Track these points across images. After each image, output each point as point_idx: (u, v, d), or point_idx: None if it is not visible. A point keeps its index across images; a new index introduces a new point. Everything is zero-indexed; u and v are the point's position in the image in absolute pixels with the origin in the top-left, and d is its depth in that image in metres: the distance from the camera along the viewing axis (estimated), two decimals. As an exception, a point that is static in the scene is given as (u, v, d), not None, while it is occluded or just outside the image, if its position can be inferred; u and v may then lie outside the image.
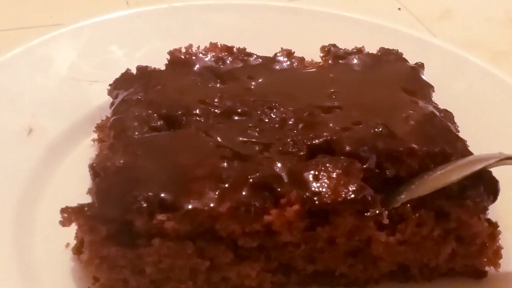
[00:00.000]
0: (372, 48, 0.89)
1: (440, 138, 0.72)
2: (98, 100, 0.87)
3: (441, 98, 0.82)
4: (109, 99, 0.82)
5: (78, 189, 0.71)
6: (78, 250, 0.68)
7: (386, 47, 0.89)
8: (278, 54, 0.85)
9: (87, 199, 0.65)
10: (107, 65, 0.92)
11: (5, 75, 0.88)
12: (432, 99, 0.81)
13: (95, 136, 0.84)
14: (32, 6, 1.18)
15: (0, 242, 0.70)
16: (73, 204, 0.64)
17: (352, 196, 0.63)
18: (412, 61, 0.87)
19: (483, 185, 0.69)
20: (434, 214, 0.68)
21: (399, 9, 1.27)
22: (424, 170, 0.69)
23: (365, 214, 0.64)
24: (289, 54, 0.85)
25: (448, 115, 0.78)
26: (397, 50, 0.87)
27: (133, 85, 0.80)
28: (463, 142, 0.73)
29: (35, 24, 1.11)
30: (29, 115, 0.85)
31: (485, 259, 0.71)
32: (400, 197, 0.67)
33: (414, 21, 1.24)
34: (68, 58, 0.94)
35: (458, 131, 0.77)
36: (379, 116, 0.73)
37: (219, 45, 0.86)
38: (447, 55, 0.97)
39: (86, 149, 0.84)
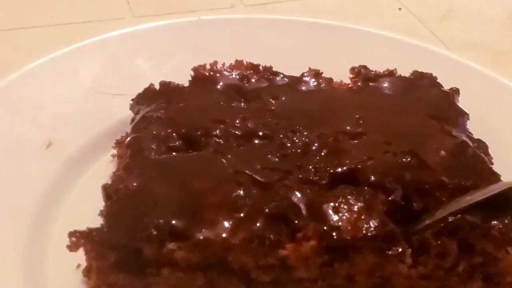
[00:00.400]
0: (405, 69, 0.85)
1: (472, 170, 0.69)
2: (121, 114, 0.84)
3: (476, 127, 0.78)
4: (131, 114, 0.80)
5: (94, 206, 0.69)
6: (88, 272, 0.66)
7: (421, 69, 0.85)
8: (305, 74, 0.82)
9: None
10: (132, 78, 0.90)
11: (28, 86, 0.87)
12: (467, 127, 0.78)
13: (115, 151, 0.82)
14: (33, 6, 1.17)
15: (11, 257, 0.68)
16: (88, 222, 0.62)
17: (373, 232, 0.60)
18: (448, 85, 0.83)
19: (509, 214, 0.65)
20: (458, 246, 0.63)
21: (400, 9, 1.25)
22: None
23: (387, 252, 0.61)
24: (316, 74, 0.82)
25: (482, 145, 0.75)
26: (432, 74, 0.83)
27: (155, 101, 0.78)
28: (496, 175, 0.70)
29: (36, 24, 1.10)
30: (49, 128, 0.83)
31: None
32: (422, 222, 0.64)
33: (415, 21, 1.22)
34: (93, 70, 0.92)
35: (492, 163, 0.73)
36: (408, 144, 0.70)
37: (245, 63, 0.83)
38: (485, 81, 0.93)
39: (105, 165, 0.82)
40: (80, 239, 0.59)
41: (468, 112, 0.79)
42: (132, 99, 0.81)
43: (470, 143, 0.73)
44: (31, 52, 0.98)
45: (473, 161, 0.70)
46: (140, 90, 0.81)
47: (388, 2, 1.28)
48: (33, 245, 0.71)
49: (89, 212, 0.69)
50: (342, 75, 0.84)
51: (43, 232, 0.73)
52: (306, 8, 1.24)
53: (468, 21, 1.24)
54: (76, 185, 0.80)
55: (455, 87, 0.82)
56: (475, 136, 0.76)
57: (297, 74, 0.83)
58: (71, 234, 0.59)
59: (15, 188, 0.75)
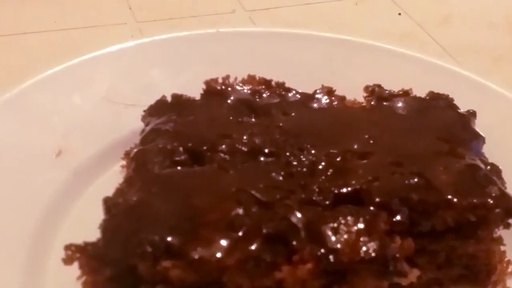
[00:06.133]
0: (422, 88, 0.83)
1: (482, 192, 0.67)
2: (133, 125, 0.83)
3: (494, 150, 0.76)
4: (143, 125, 0.80)
5: (100, 217, 0.68)
6: (86, 285, 0.65)
7: (439, 88, 0.83)
8: (318, 91, 0.81)
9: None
10: (146, 89, 0.90)
11: (42, 93, 0.87)
12: (482, 150, 0.75)
13: (124, 162, 0.82)
14: (36, 11, 1.18)
15: (12, 265, 0.69)
16: (93, 234, 0.61)
17: (372, 255, 0.58)
18: (466, 106, 0.81)
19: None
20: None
21: (400, 14, 1.26)
22: (463, 224, 0.65)
23: (387, 275, 0.59)
24: (329, 92, 0.81)
25: (495, 169, 0.72)
26: (448, 95, 0.81)
27: (166, 113, 0.77)
28: (509, 198, 0.68)
29: (39, 29, 1.12)
30: (60, 136, 0.83)
31: None
32: None
33: (414, 26, 1.23)
34: (107, 79, 0.92)
35: (505, 187, 0.71)
36: (417, 166, 0.68)
37: (257, 78, 0.82)
38: (505, 103, 0.90)
39: (114, 176, 0.81)
40: (75, 252, 0.58)
41: (484, 135, 0.77)
42: (144, 110, 0.80)
43: (482, 166, 0.71)
44: (34, 57, 1.00)
45: (483, 183, 0.68)
46: (154, 101, 0.81)
47: (388, 7, 1.29)
48: (36, 253, 0.71)
49: (94, 223, 0.68)
50: (356, 93, 0.83)
51: (47, 240, 0.73)
52: (306, 13, 1.25)
53: (467, 25, 1.25)
54: (83, 195, 0.80)
55: (472, 110, 0.80)
56: (492, 160, 0.74)
57: (311, 90, 0.82)
58: (67, 247, 0.59)
59: (21, 195, 0.75)
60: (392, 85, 0.83)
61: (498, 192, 0.67)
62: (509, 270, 0.73)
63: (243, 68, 0.84)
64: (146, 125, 0.78)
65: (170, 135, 0.72)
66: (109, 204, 0.63)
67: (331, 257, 0.58)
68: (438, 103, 0.80)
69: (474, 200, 0.65)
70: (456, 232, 0.67)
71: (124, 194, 0.64)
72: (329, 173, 0.67)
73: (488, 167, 0.72)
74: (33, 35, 1.11)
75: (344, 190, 0.65)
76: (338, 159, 0.69)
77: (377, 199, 0.64)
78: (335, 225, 0.60)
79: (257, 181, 0.65)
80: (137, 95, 0.89)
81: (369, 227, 0.60)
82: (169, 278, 0.58)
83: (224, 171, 0.67)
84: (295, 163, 0.68)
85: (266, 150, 0.70)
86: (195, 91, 0.82)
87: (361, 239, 0.59)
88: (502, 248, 0.72)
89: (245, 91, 0.80)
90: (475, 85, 0.93)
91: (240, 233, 0.59)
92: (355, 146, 0.71)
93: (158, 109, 0.79)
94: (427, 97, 0.81)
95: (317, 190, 0.65)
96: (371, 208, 0.63)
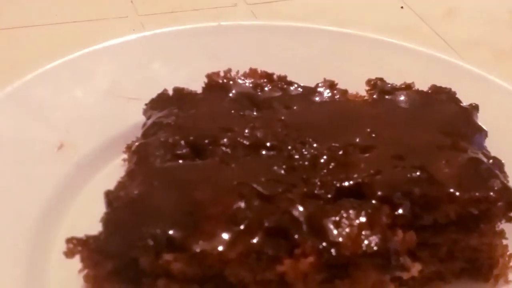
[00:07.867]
0: (425, 82, 0.83)
1: (484, 185, 0.67)
2: (135, 118, 0.83)
3: (496, 144, 0.76)
4: (145, 118, 0.80)
5: (102, 211, 0.69)
6: (88, 278, 0.65)
7: (441, 82, 0.83)
8: (320, 85, 0.81)
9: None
10: (148, 82, 0.90)
11: (44, 87, 0.87)
12: (484, 144, 0.75)
13: (126, 156, 0.82)
14: (37, 4, 1.18)
15: (14, 258, 0.69)
16: (95, 227, 0.61)
17: (374, 248, 0.58)
18: (468, 100, 0.81)
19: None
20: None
21: (402, 7, 1.26)
22: (465, 218, 0.66)
23: (389, 269, 0.59)
24: (331, 85, 0.80)
25: (497, 163, 0.72)
26: (450, 88, 0.81)
27: (167, 107, 0.77)
28: (511, 191, 0.68)
29: (40, 23, 1.12)
30: (62, 130, 0.83)
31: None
32: None
33: (417, 19, 1.23)
34: (109, 73, 0.92)
35: (508, 181, 0.71)
36: (419, 159, 0.68)
37: (259, 71, 0.82)
38: (507, 97, 0.90)
39: (116, 169, 0.82)
40: (77, 246, 0.58)
41: (487, 129, 0.77)
42: (146, 104, 0.80)
43: (484, 160, 0.71)
44: (36, 50, 1.00)
45: (486, 177, 0.68)
46: (156, 94, 0.81)
47: (390, 0, 1.29)
48: (38, 247, 0.71)
49: (96, 216, 0.68)
50: (358, 87, 0.83)
51: (49, 234, 0.73)
52: (308, 7, 1.24)
53: (470, 19, 1.25)
54: (85, 189, 0.80)
55: (474, 103, 0.80)
56: (495, 153, 0.74)
57: (313, 83, 0.82)
58: (68, 241, 0.59)
59: (22, 189, 0.75)
60: (394, 78, 0.83)
61: (500, 185, 0.67)
62: (511, 264, 0.73)
63: (245, 62, 0.84)
64: (148, 118, 0.78)
65: (172, 129, 0.72)
66: (111, 197, 0.63)
67: (333, 250, 0.58)
68: (441, 97, 0.80)
69: (476, 194, 0.65)
70: (458, 226, 0.67)
71: (125, 187, 0.64)
72: (331, 167, 0.67)
73: (491, 160, 0.72)
74: (34, 28, 1.10)
75: (346, 183, 0.65)
76: (340, 153, 0.69)
77: (379, 193, 0.64)
78: (337, 218, 0.60)
79: (259, 174, 0.65)
80: (139, 88, 0.89)
81: (371, 221, 0.60)
82: (171, 272, 0.58)
83: (226, 164, 0.66)
84: (297, 156, 0.68)
85: (268, 144, 0.70)
86: (196, 85, 0.82)
87: (363, 232, 0.59)
88: (504, 242, 0.72)
89: (247, 84, 0.80)
90: (477, 78, 0.93)
91: (242, 227, 0.59)
92: (357, 140, 0.71)
93: (160, 102, 0.79)
94: (430, 91, 0.81)
95: (319, 183, 0.65)
96: (373, 201, 0.63)
